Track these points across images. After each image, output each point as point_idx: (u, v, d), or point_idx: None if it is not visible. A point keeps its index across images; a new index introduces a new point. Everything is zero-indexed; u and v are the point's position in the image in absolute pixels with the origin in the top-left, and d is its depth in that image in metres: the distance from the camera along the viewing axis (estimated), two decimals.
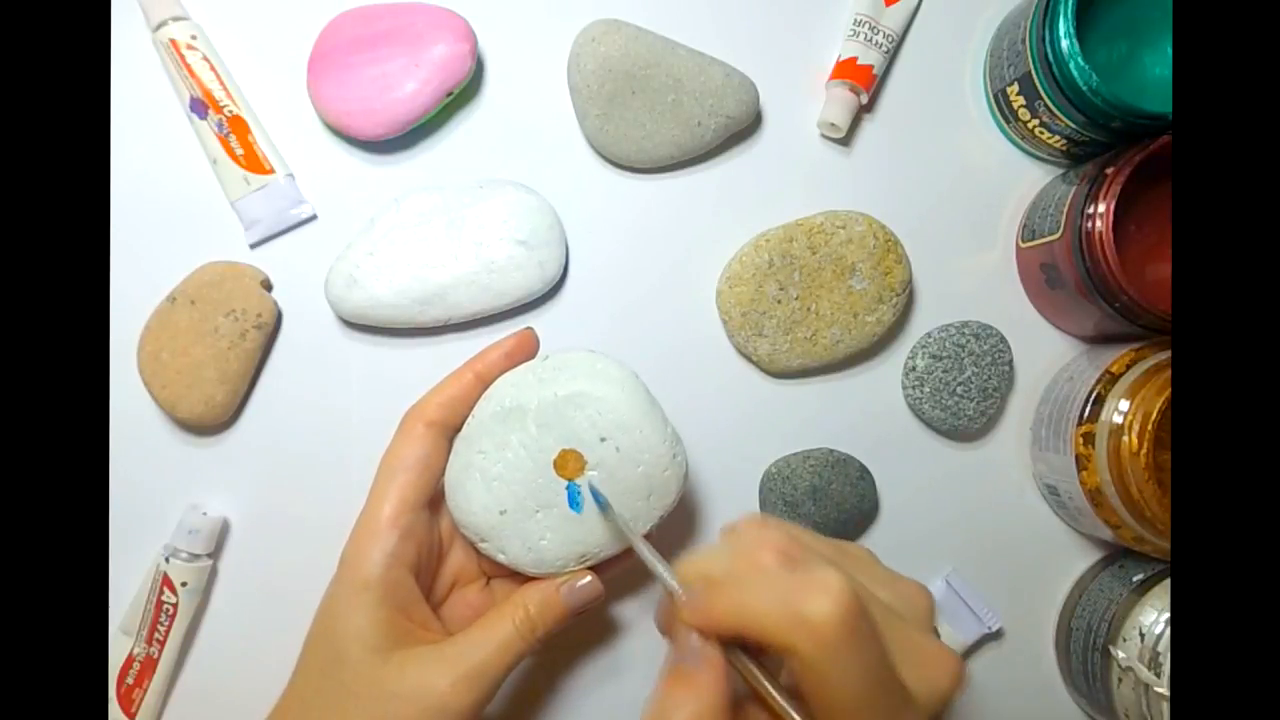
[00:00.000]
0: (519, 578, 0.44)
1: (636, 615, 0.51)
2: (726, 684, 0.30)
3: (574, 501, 0.43)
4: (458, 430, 0.43)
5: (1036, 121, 0.49)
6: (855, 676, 0.28)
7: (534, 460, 0.42)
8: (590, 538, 0.44)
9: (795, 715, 0.30)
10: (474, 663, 0.38)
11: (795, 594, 0.28)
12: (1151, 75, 0.47)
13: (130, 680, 0.48)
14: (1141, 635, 0.45)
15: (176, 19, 0.49)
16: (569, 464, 0.43)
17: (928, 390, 0.51)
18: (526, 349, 0.44)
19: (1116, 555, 0.52)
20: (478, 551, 0.45)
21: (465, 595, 0.45)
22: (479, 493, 0.43)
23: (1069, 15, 0.44)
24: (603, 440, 0.42)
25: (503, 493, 0.43)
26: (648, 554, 0.37)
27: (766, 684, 0.31)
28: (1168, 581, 0.47)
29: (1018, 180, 0.53)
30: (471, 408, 0.43)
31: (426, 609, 0.41)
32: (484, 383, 0.43)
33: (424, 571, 0.42)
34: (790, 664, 0.28)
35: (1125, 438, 0.44)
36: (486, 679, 0.38)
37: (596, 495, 0.42)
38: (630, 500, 0.44)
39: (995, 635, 0.52)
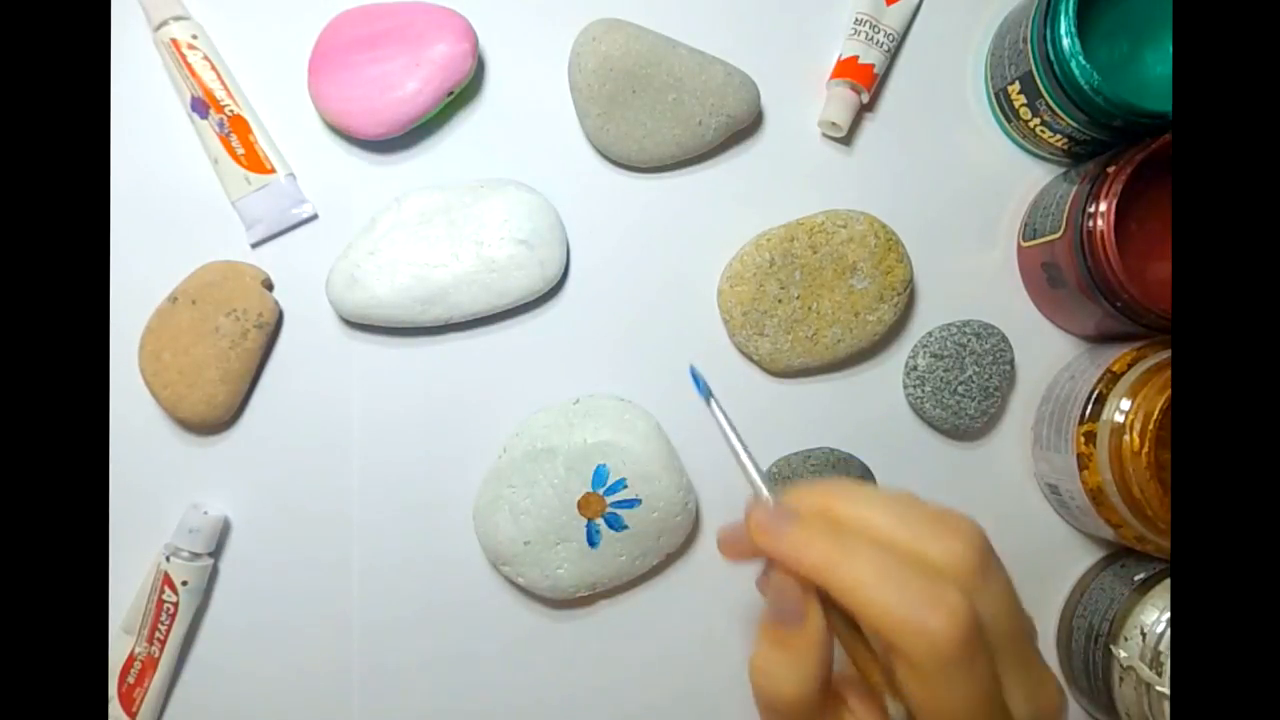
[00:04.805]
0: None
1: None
2: (828, 649, 0.29)
3: (592, 539, 0.47)
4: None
5: (1038, 120, 0.49)
6: (964, 697, 0.27)
7: (559, 499, 0.46)
8: (602, 570, 0.47)
9: (888, 696, 0.29)
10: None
11: (921, 601, 0.27)
12: (1153, 74, 0.47)
13: (131, 679, 0.48)
14: (1143, 634, 0.45)
15: (177, 18, 0.49)
16: (591, 505, 0.46)
17: (929, 389, 0.50)
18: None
19: (1118, 554, 0.52)
20: (501, 573, 0.48)
21: None
22: (506, 524, 0.47)
23: (1070, 14, 0.43)
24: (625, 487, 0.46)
25: (528, 525, 0.46)
26: (743, 454, 0.36)
27: (866, 655, 0.30)
28: (1170, 580, 0.47)
29: (1019, 179, 0.53)
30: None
31: None
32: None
33: None
34: (896, 662, 0.28)
35: (1127, 437, 0.44)
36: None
37: (698, 381, 0.40)
38: (642, 539, 0.47)
39: None
